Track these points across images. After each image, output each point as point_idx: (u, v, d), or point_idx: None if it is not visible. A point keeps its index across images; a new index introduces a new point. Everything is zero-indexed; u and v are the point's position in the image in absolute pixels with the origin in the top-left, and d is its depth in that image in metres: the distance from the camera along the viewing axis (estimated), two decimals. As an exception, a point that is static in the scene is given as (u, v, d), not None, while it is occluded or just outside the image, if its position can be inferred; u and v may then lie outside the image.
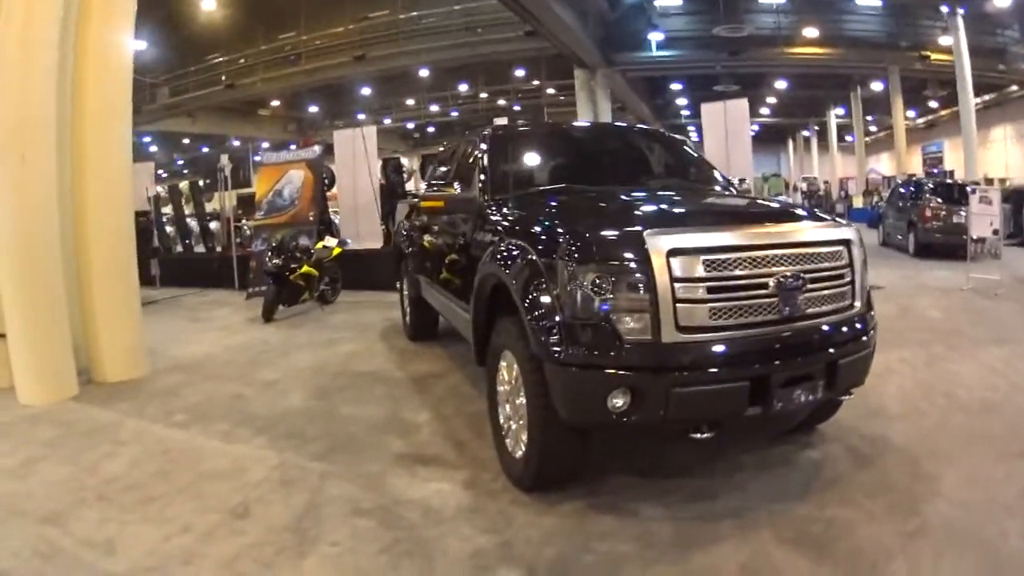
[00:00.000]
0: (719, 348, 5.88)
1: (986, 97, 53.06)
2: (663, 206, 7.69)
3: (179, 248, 25.97)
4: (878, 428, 8.31)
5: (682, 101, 64.95)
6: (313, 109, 65.83)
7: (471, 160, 9.70)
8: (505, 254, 7.06)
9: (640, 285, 5.75)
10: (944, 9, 37.55)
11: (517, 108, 65.63)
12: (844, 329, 6.56)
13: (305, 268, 16.84)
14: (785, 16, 43.67)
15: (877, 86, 54.49)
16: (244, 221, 25.67)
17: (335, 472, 7.32)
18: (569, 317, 5.94)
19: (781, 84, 59.67)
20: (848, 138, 66.47)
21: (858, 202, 52.17)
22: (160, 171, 49.47)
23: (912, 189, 29.22)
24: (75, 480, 7.40)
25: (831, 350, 6.40)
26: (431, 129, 74.44)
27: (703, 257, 5.88)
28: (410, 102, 65.99)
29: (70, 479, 7.44)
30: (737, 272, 5.96)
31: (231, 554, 5.75)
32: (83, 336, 11.40)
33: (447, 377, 10.75)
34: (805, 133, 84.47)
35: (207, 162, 27.53)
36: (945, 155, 64.22)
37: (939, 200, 26.25)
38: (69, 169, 11.22)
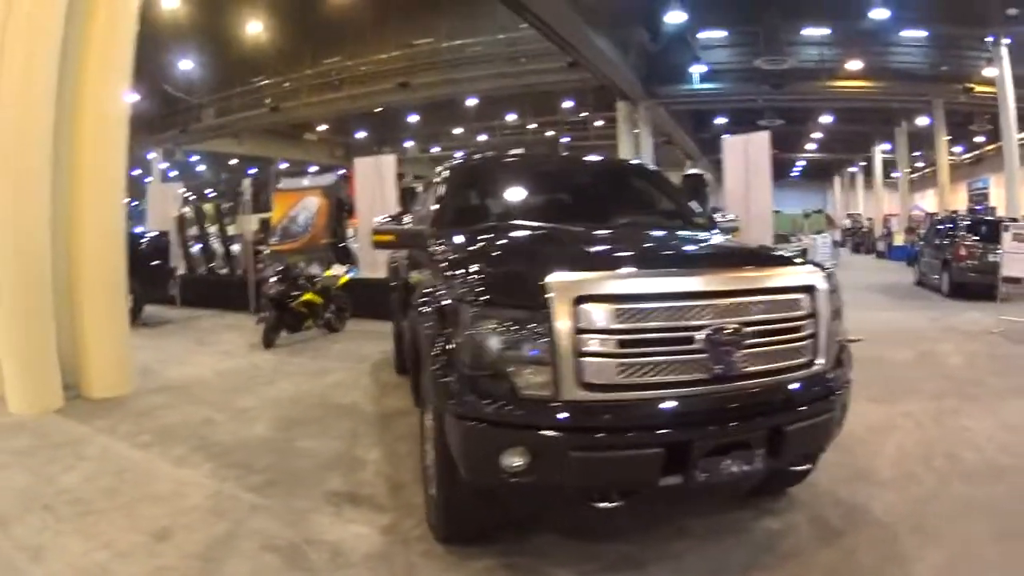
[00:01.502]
0: (628, 409, 5.30)
1: (1034, 129, 52.91)
2: (598, 246, 6.95)
3: (203, 269, 25.94)
4: (859, 495, 7.44)
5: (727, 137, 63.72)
6: (361, 135, 66.11)
7: (433, 192, 9.34)
8: (425, 295, 6.83)
9: (539, 335, 5.22)
10: (989, 39, 37.08)
11: (566, 139, 65.84)
12: (797, 390, 5.79)
13: (308, 295, 16.76)
14: (828, 48, 43.26)
15: (923, 121, 53.43)
16: (263, 245, 25.64)
17: (265, 505, 7.24)
18: (467, 367, 5.44)
19: (826, 119, 59.41)
20: (895, 175, 65.23)
21: (899, 239, 51.09)
22: (188, 193, 49.90)
23: (949, 226, 28.13)
24: (31, 488, 7.73)
25: (776, 415, 5.67)
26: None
27: (615, 306, 5.27)
28: (458, 131, 66.14)
29: (27, 487, 7.79)
30: (655, 324, 5.32)
31: (138, 574, 5.87)
32: (73, 352, 11.54)
33: (415, 415, 10.49)
34: (852, 169, 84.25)
35: (233, 185, 27.75)
36: (991, 191, 63.40)
37: (975, 237, 25.16)
38: (65, 193, 11.35)
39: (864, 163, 77.12)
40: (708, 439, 5.38)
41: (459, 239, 7.28)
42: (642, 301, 5.33)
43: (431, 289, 6.74)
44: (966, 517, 6.83)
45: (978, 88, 42.14)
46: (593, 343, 5.19)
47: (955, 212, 37.66)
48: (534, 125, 65.27)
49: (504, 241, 7.19)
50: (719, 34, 43.10)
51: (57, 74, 10.82)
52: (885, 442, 9.07)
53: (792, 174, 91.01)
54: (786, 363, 5.74)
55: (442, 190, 8.80)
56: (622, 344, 5.23)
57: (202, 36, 45.24)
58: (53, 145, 10.90)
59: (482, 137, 67.41)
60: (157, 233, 23.57)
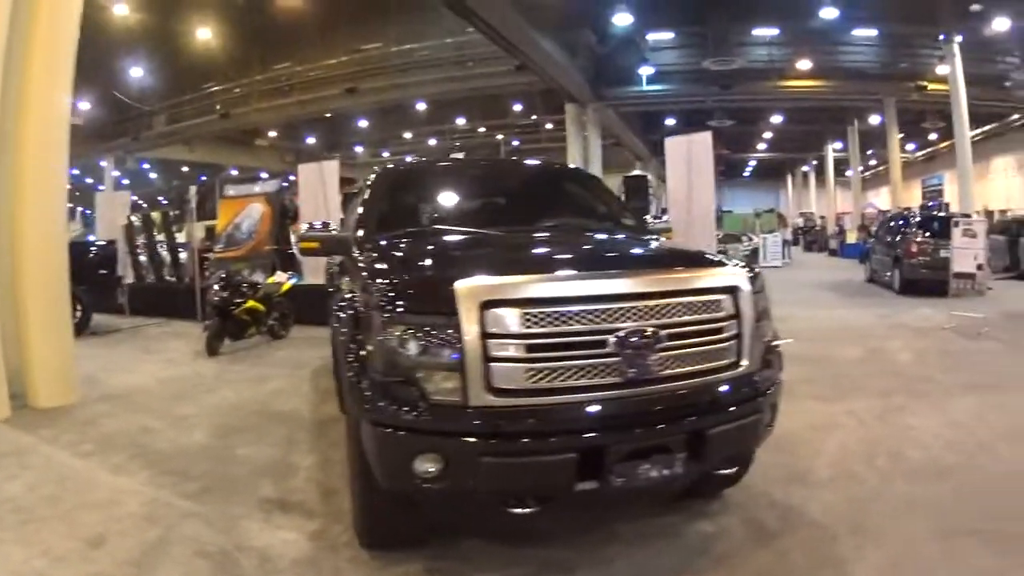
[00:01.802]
0: (539, 415, 5.19)
1: (986, 127, 53.11)
2: (515, 251, 6.82)
3: (151, 278, 25.71)
4: (797, 496, 7.29)
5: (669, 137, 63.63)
6: (311, 140, 66.04)
7: (360, 199, 9.08)
8: (343, 302, 6.87)
9: (448, 340, 5.15)
10: (941, 38, 37.47)
11: (516, 143, 66.02)
12: (719, 393, 5.69)
13: (250, 303, 16.72)
14: (778, 48, 43.50)
15: (875, 119, 54.16)
16: (209, 253, 25.59)
17: (198, 512, 7.21)
18: (379, 373, 5.40)
19: (777, 118, 59.81)
20: (848, 173, 65.57)
21: (852, 237, 51.52)
22: (141, 201, 49.83)
23: (900, 222, 28.35)
24: None
25: (696, 418, 5.53)
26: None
27: (522, 310, 5.16)
28: (408, 135, 66.22)
29: None
30: (564, 328, 5.20)
31: None
32: (19, 363, 11.57)
33: (346, 421, 10.56)
34: (804, 168, 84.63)
35: (181, 192, 27.75)
36: (945, 188, 63.48)
37: (926, 234, 25.26)
38: (6, 201, 11.50)
39: (816, 162, 77.67)
40: (623, 444, 5.30)
41: (378, 245, 7.25)
42: (550, 305, 5.24)
43: (348, 295, 6.82)
44: (909, 517, 6.73)
45: (931, 86, 42.44)
46: (502, 348, 5.13)
47: (907, 209, 37.80)
48: (483, 129, 65.75)
49: (420, 246, 7.05)
50: (667, 36, 43.36)
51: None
52: (827, 441, 8.98)
53: (744, 174, 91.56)
54: (707, 365, 5.64)
55: (368, 196, 8.69)
56: (531, 349, 5.16)
57: (153, 43, 45.04)
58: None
59: (432, 141, 67.70)
60: (105, 242, 23.61)
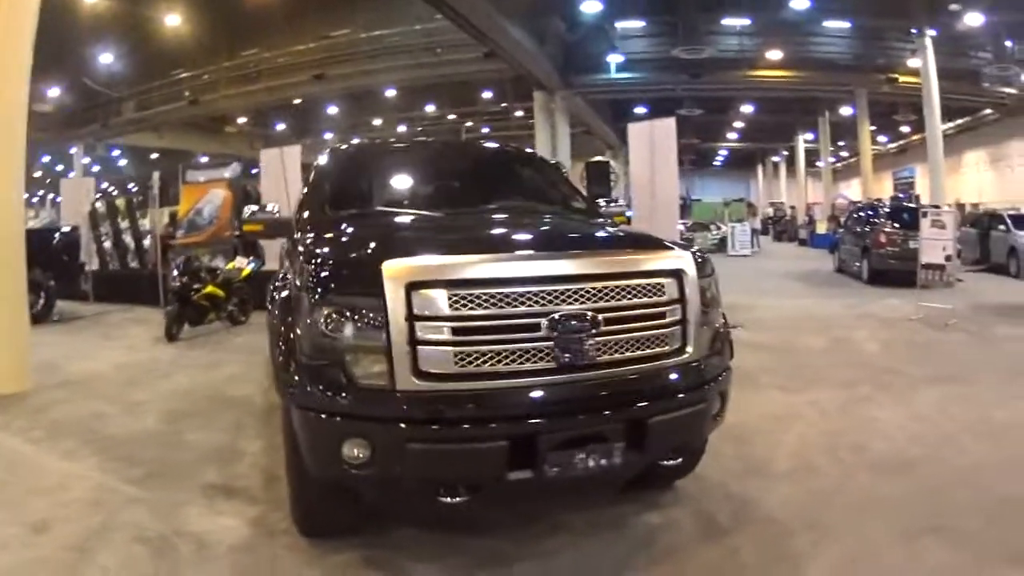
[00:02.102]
0: (468, 400, 5.08)
1: (959, 121, 53.38)
2: (452, 232, 6.67)
3: (115, 264, 25.65)
4: (752, 489, 7.10)
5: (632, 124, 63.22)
6: (281, 127, 65.89)
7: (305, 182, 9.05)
8: (278, 283, 6.89)
9: (375, 323, 5.03)
10: (913, 31, 37.38)
11: (486, 130, 66.01)
12: (663, 380, 5.55)
13: (209, 288, 16.68)
14: (749, 38, 43.35)
15: (847, 110, 54.09)
16: (172, 239, 25.47)
17: (142, 498, 7.21)
18: (307, 356, 5.29)
19: (748, 108, 59.84)
20: (820, 164, 65.38)
21: (822, 227, 51.17)
22: (112, 187, 49.69)
23: (869, 213, 28.32)
24: None
25: (636, 406, 5.37)
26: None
27: (450, 291, 5.03)
28: (377, 122, 65.98)
29: None
30: (496, 310, 5.08)
31: (12, 565, 5.90)
32: None
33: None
34: (775, 158, 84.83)
35: (144, 179, 27.62)
36: (917, 181, 63.54)
37: (895, 224, 25.26)
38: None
39: (788, 152, 77.78)
40: (556, 432, 5.15)
41: (316, 226, 7.12)
42: (480, 286, 5.11)
43: (283, 277, 6.78)
44: (869, 511, 6.51)
45: (903, 79, 42.39)
46: (429, 331, 5.00)
47: (878, 200, 37.88)
48: (453, 116, 65.74)
49: (356, 228, 6.91)
50: (637, 24, 43.23)
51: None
52: (787, 432, 8.79)
53: (715, 163, 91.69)
54: (648, 351, 5.48)
55: (312, 177, 8.60)
56: (459, 332, 5.04)
57: (121, 29, 44.87)
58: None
59: (402, 128, 67.46)
60: (68, 228, 23.52)
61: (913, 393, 10.53)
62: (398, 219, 7.33)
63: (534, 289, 5.15)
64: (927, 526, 6.15)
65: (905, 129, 61.84)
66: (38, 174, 68.12)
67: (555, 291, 5.19)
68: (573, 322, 5.15)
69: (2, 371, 11.65)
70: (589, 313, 5.21)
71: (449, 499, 5.33)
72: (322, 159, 8.96)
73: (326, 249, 6.08)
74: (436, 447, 5.08)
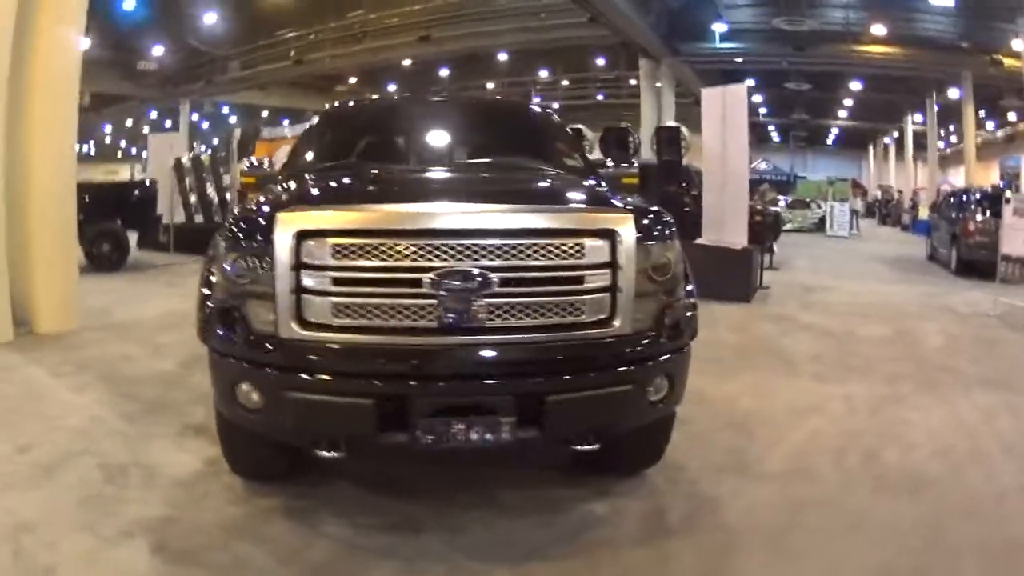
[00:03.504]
0: (341, 353, 5.09)
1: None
2: (382, 184, 6.65)
3: (200, 217, 26.26)
4: (726, 489, 6.52)
5: (757, 98, 61.96)
6: (391, 87, 66.27)
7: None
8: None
9: (266, 270, 5.06)
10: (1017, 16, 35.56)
11: (600, 97, 65.49)
12: (571, 354, 5.19)
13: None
14: (853, 12, 41.44)
15: (955, 93, 51.59)
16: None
17: (124, 431, 7.75)
18: (216, 299, 5.46)
19: (855, 85, 57.88)
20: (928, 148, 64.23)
21: (924, 213, 48.37)
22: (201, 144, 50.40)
23: (961, 200, 26.77)
24: None
25: (531, 379, 5.14)
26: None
27: (332, 241, 5.00)
28: (490, 85, 65.33)
29: None
30: (376, 262, 4.96)
31: None
32: (26, 292, 12.36)
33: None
34: (886, 140, 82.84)
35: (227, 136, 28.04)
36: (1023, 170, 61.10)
37: (986, 213, 23.71)
38: (16, 134, 11.98)
39: (897, 134, 75.69)
40: (430, 397, 5.04)
41: (282, 180, 7.17)
42: (361, 237, 5.01)
43: None
44: (846, 540, 5.71)
45: (1007, 61, 40.19)
46: (313, 280, 5.01)
47: (972, 186, 36.79)
48: (567, 82, 65.17)
49: (300, 183, 6.81)
50: (743, -8, 41.60)
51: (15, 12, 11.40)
52: (799, 427, 8.10)
53: (828, 142, 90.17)
54: (554, 320, 5.12)
55: (305, 133, 8.74)
56: (339, 283, 5.00)
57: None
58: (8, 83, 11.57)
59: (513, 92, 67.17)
60: (147, 182, 24.20)
61: (961, 397, 9.57)
62: (354, 173, 7.23)
63: (420, 242, 4.96)
64: (907, 568, 5.35)
65: (1012, 116, 59.65)
66: (146, 130, 69.01)
67: (444, 245, 4.95)
68: (457, 281, 4.90)
69: (50, 313, 12.40)
70: (479, 272, 4.92)
71: (325, 453, 5.27)
72: (315, 118, 9.21)
73: (259, 199, 6.26)
74: (309, 397, 5.08)
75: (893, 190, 69.46)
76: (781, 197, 45.18)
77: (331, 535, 5.66)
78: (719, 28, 42.97)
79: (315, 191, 6.39)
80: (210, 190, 26.32)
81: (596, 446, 5.46)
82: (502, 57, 55.52)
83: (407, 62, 55.55)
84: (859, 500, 6.40)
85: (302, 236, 4.99)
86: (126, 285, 17.79)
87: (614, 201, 5.99)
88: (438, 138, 8.65)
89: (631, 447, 6.32)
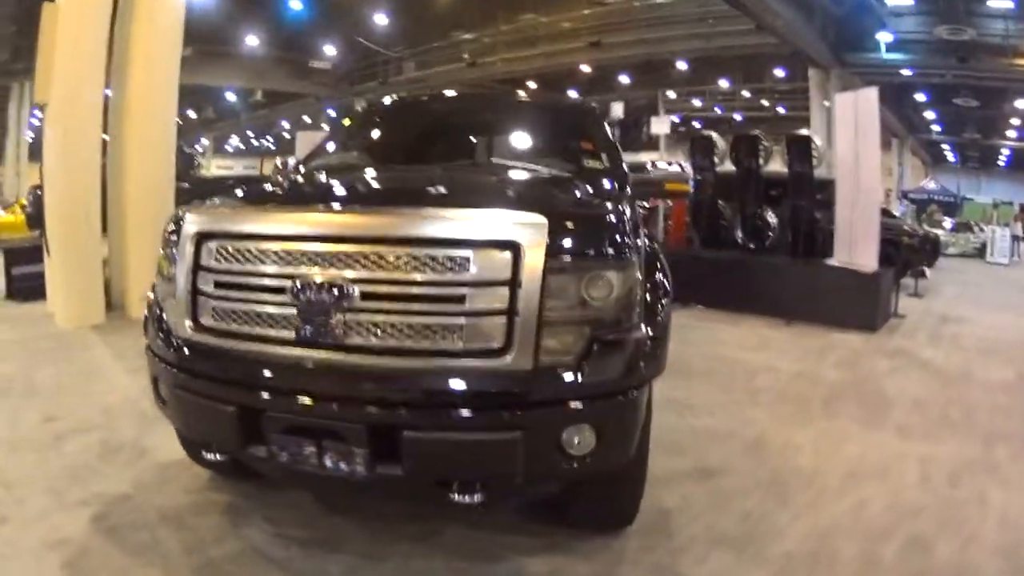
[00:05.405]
0: (213, 356, 4.91)
1: None
2: (319, 187, 6.37)
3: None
4: (706, 571, 5.38)
5: (930, 115, 60.51)
6: (572, 94, 66.21)
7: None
8: None
9: (174, 270, 5.07)
10: None
11: (781, 109, 64.70)
12: (439, 385, 4.48)
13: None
14: (1014, 23, 38.51)
15: None
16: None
17: (146, 413, 8.12)
18: (153, 293, 5.52)
19: (1021, 103, 53.97)
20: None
21: None
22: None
23: None
24: (7, 375, 9.87)
25: (381, 409, 4.52)
26: (697, 124, 69.60)
27: (218, 243, 4.91)
28: (671, 95, 65.32)
29: (5, 374, 9.88)
30: (246, 266, 4.80)
31: (3, 438, 7.56)
32: (121, 277, 13.65)
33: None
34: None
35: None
36: None
37: None
38: (116, 119, 13.43)
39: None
40: (279, 412, 4.66)
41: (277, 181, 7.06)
42: (236, 240, 4.87)
43: None
44: None
45: None
46: (202, 282, 4.93)
47: None
48: (747, 93, 64.68)
49: (265, 184, 6.75)
50: (908, 0, 40.24)
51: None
52: (845, 496, 6.63)
53: (1000, 163, 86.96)
54: (425, 344, 4.48)
55: (333, 133, 8.69)
56: (218, 285, 4.90)
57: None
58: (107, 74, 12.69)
59: (696, 102, 66.91)
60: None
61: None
62: (310, 173, 7.11)
63: (286, 247, 4.70)
64: None
65: None
66: (324, 126, 70.36)
67: (310, 252, 4.66)
68: (312, 292, 4.52)
69: (133, 298, 13.38)
70: (338, 282, 4.49)
71: (209, 455, 5.26)
72: (349, 118, 9.11)
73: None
74: (186, 395, 4.99)
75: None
76: (947, 219, 44.43)
77: (246, 537, 5.67)
78: (884, 37, 41.60)
79: (245, 191, 6.07)
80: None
81: (479, 498, 4.69)
82: (681, 66, 54.93)
83: (586, 68, 55.46)
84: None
85: (201, 237, 4.95)
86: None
87: (527, 203, 4.93)
88: (443, 138, 8.56)
89: (591, 503, 5.66)
